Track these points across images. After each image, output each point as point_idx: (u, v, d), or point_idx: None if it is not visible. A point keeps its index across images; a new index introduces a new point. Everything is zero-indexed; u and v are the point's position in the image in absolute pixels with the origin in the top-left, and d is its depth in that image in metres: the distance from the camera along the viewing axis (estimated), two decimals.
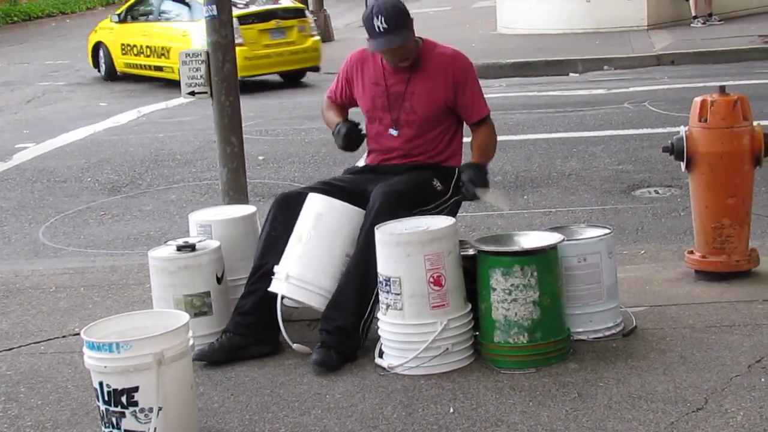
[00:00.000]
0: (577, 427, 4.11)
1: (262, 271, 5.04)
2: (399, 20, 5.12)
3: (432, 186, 5.19)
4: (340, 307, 4.89)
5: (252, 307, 5.03)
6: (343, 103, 5.56)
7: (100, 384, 4.03)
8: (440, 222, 4.82)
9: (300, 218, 5.03)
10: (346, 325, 4.88)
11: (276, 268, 4.97)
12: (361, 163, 5.53)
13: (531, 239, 4.87)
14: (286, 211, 5.13)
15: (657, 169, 9.00)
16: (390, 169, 5.28)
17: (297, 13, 17.36)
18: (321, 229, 4.96)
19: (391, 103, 5.29)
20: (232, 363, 4.97)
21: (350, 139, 5.35)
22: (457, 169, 5.27)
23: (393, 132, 5.29)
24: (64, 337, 5.62)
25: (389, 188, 5.03)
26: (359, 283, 4.88)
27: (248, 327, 5.02)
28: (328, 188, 5.18)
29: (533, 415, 4.24)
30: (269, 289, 4.96)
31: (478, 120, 5.33)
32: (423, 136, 5.28)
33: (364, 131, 5.41)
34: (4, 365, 5.25)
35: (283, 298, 4.93)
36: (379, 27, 5.09)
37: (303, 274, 4.91)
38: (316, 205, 5.02)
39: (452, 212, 5.26)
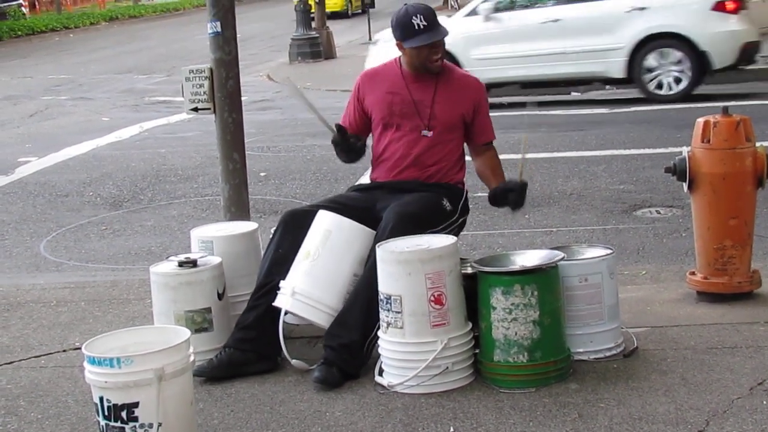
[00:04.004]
0: None
1: (267, 288, 5.05)
2: (435, 18, 5.31)
3: (442, 206, 5.23)
4: (347, 324, 4.89)
5: (254, 322, 5.03)
6: (356, 128, 5.52)
7: (101, 399, 4.02)
8: (441, 240, 4.82)
9: (309, 235, 5.04)
10: (351, 343, 4.87)
11: (282, 284, 4.97)
12: (365, 179, 5.53)
13: (531, 258, 4.87)
14: (293, 228, 5.14)
15: (658, 189, 9.01)
16: (400, 186, 5.31)
17: None
18: (329, 247, 4.96)
19: (418, 109, 5.34)
20: (231, 379, 4.97)
21: (345, 142, 5.35)
22: (489, 198, 5.42)
23: (426, 133, 5.35)
24: (64, 351, 5.61)
25: (402, 209, 5.05)
26: (367, 302, 4.87)
27: (249, 342, 5.02)
28: (337, 206, 5.19)
29: None
30: (274, 304, 4.96)
31: (488, 142, 5.50)
32: (438, 145, 5.34)
33: (363, 140, 5.44)
34: (4, 379, 5.24)
35: (286, 314, 4.93)
36: (419, 24, 5.23)
37: (309, 290, 4.91)
38: (325, 222, 5.02)
39: (458, 232, 5.30)
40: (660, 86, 14.16)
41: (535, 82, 14.62)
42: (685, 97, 13.99)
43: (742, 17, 14.19)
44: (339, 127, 5.36)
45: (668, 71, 14.12)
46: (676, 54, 14.07)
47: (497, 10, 14.72)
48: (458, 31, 14.07)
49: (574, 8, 14.51)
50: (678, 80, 14.13)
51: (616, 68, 14.18)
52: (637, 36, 14.06)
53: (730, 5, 14.07)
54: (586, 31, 14.24)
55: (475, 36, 14.49)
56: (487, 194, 5.46)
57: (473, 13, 14.94)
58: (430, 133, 5.34)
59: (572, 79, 14.82)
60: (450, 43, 15.71)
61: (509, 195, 5.28)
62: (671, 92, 14.14)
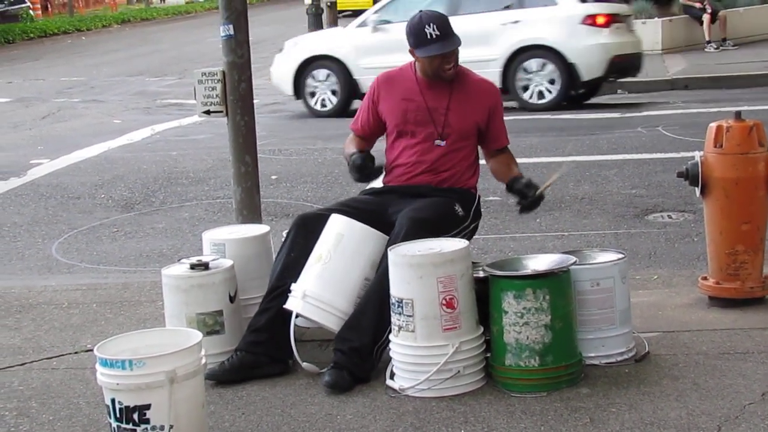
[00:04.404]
0: None
1: (279, 291, 5.05)
2: (449, 27, 5.30)
3: (454, 211, 5.23)
4: (357, 328, 4.89)
5: (265, 325, 5.03)
6: (368, 130, 5.56)
7: (112, 401, 4.03)
8: (453, 244, 4.82)
9: (321, 238, 5.04)
10: (362, 347, 4.87)
11: (293, 286, 4.98)
12: (378, 183, 5.53)
13: (543, 262, 4.87)
14: (305, 232, 5.14)
15: (670, 193, 8.99)
16: (412, 191, 5.32)
17: None
18: (341, 251, 4.96)
19: (433, 117, 5.33)
20: (243, 382, 4.97)
21: (362, 170, 5.36)
22: (507, 185, 5.42)
23: (440, 143, 5.34)
24: (76, 353, 5.62)
25: (415, 214, 5.05)
26: (378, 307, 4.87)
27: (260, 345, 5.02)
28: (349, 210, 5.19)
29: None
30: (285, 306, 4.96)
31: (502, 147, 5.50)
32: (453, 153, 5.35)
33: (379, 163, 5.44)
34: (16, 380, 5.26)
35: (297, 316, 4.94)
36: (431, 34, 5.23)
37: (320, 293, 4.91)
38: (337, 226, 5.03)
39: (470, 237, 5.30)
40: (532, 95, 14.64)
41: None
42: (557, 105, 14.52)
43: (614, 31, 14.74)
44: (364, 158, 5.36)
45: (540, 82, 14.61)
46: (549, 65, 14.54)
47: (385, 21, 15.14)
48: (349, 41, 15.32)
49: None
50: (549, 90, 14.59)
51: (492, 78, 14.32)
52: (510, 48, 14.55)
53: (600, 19, 14.60)
54: (464, 43, 14.28)
55: (365, 46, 14.97)
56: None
57: (363, 24, 15.53)
58: (443, 143, 5.34)
59: None
60: (341, 52, 15.05)
61: (523, 199, 5.30)
62: (543, 101, 14.62)
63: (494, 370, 4.78)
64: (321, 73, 15.37)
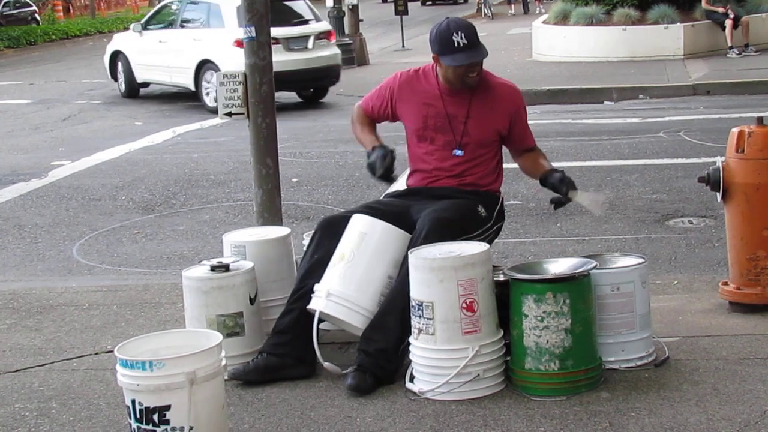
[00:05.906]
0: None
1: (302, 292, 5.05)
2: (476, 36, 5.23)
3: (477, 212, 5.22)
4: (383, 329, 4.88)
5: (288, 326, 5.03)
6: (377, 117, 5.57)
7: (133, 402, 4.04)
8: (474, 248, 4.81)
9: (343, 238, 5.04)
10: (388, 347, 4.87)
11: (316, 286, 4.98)
12: (401, 185, 5.51)
13: (564, 266, 4.86)
14: (329, 234, 5.13)
15: (691, 199, 8.97)
16: (436, 192, 5.31)
17: None
18: (364, 249, 4.96)
19: (452, 125, 5.31)
20: (263, 383, 4.97)
21: (386, 169, 5.35)
22: (540, 179, 5.41)
23: (458, 152, 5.32)
24: (96, 354, 5.64)
25: (438, 214, 5.05)
26: (404, 306, 4.85)
27: (284, 346, 5.02)
28: (372, 211, 5.18)
29: None
30: (308, 306, 4.96)
31: (529, 148, 5.47)
32: (473, 160, 5.32)
33: (394, 156, 5.42)
34: (36, 381, 5.28)
35: (320, 321, 4.93)
36: (459, 42, 5.16)
37: (344, 291, 4.91)
38: (360, 225, 5.03)
39: (493, 238, 5.28)
40: (212, 101, 16.63)
41: (162, 85, 19.25)
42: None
43: None
44: (385, 156, 5.33)
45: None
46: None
47: (147, 28, 19.13)
48: (130, 41, 19.39)
49: (171, 33, 18.52)
50: None
51: (190, 82, 17.80)
52: (195, 60, 17.62)
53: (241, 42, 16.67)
54: (175, 52, 18.01)
55: (137, 47, 19.07)
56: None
57: (135, 28, 19.55)
58: (461, 152, 5.32)
59: (180, 87, 18.47)
60: (127, 49, 19.16)
61: (556, 193, 5.31)
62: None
63: (514, 374, 4.78)
64: (121, 64, 19.45)
